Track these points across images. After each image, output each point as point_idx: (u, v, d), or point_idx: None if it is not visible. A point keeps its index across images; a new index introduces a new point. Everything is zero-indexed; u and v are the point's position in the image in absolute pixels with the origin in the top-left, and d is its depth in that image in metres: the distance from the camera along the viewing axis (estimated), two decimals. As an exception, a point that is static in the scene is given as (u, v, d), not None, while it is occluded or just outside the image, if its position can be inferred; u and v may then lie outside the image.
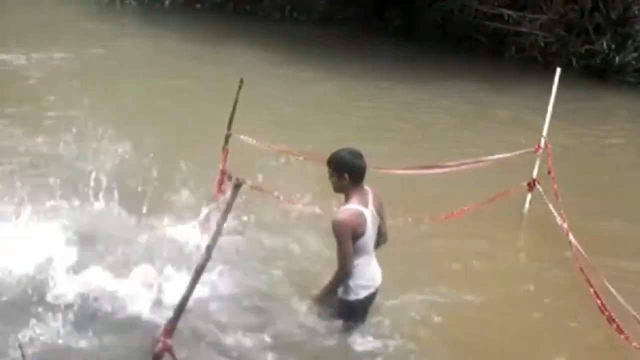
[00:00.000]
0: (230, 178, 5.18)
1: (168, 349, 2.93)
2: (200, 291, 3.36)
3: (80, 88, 9.18)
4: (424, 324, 4.33)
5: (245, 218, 4.84)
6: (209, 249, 2.84)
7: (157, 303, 4.17)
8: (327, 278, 3.98)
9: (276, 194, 4.98)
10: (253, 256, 4.84)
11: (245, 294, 4.42)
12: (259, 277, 4.64)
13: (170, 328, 2.92)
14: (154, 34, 14.22)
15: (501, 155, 5.79)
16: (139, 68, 10.88)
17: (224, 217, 2.80)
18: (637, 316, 4.24)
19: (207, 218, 4.91)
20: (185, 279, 2.99)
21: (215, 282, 4.39)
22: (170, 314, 2.89)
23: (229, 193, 2.79)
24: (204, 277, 2.90)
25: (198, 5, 17.58)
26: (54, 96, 8.72)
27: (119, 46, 12.29)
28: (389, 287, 4.22)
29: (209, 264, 2.81)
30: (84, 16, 14.87)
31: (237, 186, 2.76)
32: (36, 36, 11.96)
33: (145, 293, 4.26)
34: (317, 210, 4.81)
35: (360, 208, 3.86)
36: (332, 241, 3.84)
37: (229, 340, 3.97)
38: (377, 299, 4.12)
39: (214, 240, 2.82)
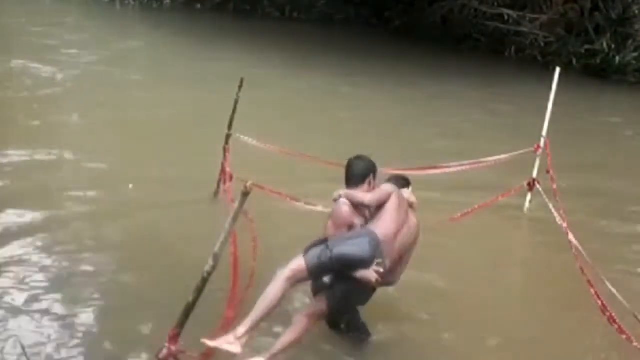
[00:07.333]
0: (231, 177, 5.17)
1: (172, 355, 2.92)
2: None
3: (79, 87, 9.19)
4: (425, 318, 4.35)
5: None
6: (216, 257, 2.76)
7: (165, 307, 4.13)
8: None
9: (286, 195, 4.90)
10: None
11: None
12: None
13: (175, 334, 2.91)
14: (153, 33, 14.22)
15: (501, 156, 5.78)
16: (139, 67, 10.88)
17: (231, 225, 2.71)
18: (638, 316, 4.24)
19: None
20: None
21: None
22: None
23: (231, 193, 2.73)
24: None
25: (198, 5, 17.59)
26: (52, 96, 8.72)
27: (119, 46, 12.27)
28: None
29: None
30: (84, 16, 14.86)
31: (246, 194, 2.68)
32: (35, 35, 11.94)
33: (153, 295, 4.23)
34: (320, 209, 4.78)
35: None
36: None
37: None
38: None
39: (221, 248, 2.75)
